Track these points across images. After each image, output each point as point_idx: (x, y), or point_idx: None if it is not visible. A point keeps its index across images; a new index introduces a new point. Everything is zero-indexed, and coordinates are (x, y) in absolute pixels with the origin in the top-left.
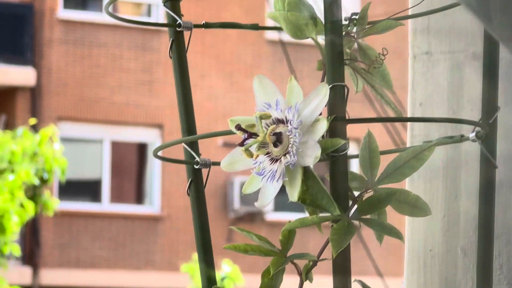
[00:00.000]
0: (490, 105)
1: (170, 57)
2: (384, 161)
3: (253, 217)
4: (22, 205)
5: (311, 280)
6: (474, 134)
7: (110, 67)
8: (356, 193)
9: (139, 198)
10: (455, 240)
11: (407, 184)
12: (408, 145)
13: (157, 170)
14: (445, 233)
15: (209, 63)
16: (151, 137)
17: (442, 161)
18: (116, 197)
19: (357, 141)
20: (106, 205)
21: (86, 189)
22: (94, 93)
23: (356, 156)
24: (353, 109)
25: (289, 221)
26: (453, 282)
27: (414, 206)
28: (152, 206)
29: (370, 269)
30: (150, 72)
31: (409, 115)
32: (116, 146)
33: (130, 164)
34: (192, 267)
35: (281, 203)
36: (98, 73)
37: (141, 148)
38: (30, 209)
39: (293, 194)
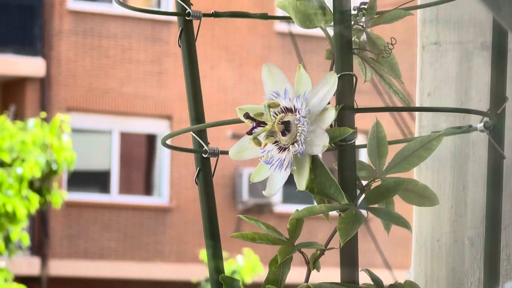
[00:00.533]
0: (498, 96)
1: (179, 46)
2: (393, 151)
3: (262, 208)
4: (27, 198)
5: (318, 269)
6: (482, 124)
7: (119, 58)
8: (364, 183)
9: (148, 189)
10: (462, 230)
11: (415, 174)
12: (416, 135)
13: (166, 161)
14: (453, 224)
15: (219, 55)
16: (160, 128)
17: (450, 151)
18: (125, 188)
19: (365, 133)
20: (115, 196)
21: (95, 180)
22: (103, 84)
23: (364, 146)
24: (361, 101)
25: (297, 210)
26: (460, 272)
27: (421, 196)
28: (160, 197)
29: (378, 261)
30: (159, 64)
31: (417, 105)
32: (125, 137)
33: (139, 155)
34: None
35: (290, 194)
36: (107, 64)
37: (150, 139)
38: (35, 201)
39: (301, 183)
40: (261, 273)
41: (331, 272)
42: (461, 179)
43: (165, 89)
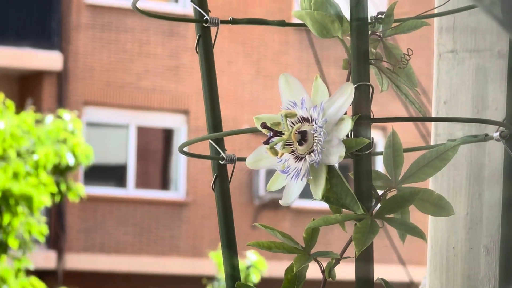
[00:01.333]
0: None
1: (197, 52)
2: (409, 158)
3: (278, 204)
4: (44, 185)
5: (334, 278)
6: (498, 133)
7: (137, 53)
8: (380, 192)
9: (165, 183)
10: (478, 238)
11: (431, 182)
12: (432, 142)
13: (183, 156)
14: (468, 231)
15: (236, 49)
16: (177, 123)
17: (466, 159)
18: (142, 182)
19: (382, 129)
20: (131, 190)
21: (112, 174)
22: (121, 78)
23: (380, 153)
24: (379, 96)
25: (313, 219)
26: (475, 280)
27: (437, 206)
28: (177, 191)
29: (393, 257)
30: (176, 58)
31: (433, 113)
32: (142, 132)
33: (156, 150)
34: (219, 255)
35: (307, 190)
36: (124, 59)
37: (167, 134)
38: (52, 187)
39: (317, 193)
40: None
41: (346, 267)
42: (477, 186)
43: (182, 83)
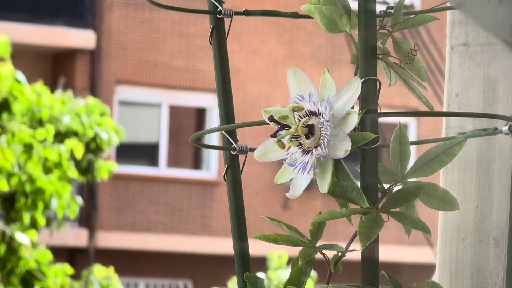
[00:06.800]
0: None
1: (210, 43)
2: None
3: (311, 184)
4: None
5: (339, 271)
6: (507, 127)
7: (170, 32)
8: (386, 186)
9: (196, 163)
10: (487, 230)
11: (441, 174)
12: (443, 135)
13: (215, 135)
14: (478, 224)
15: (269, 30)
16: (209, 102)
17: (476, 152)
18: (173, 161)
19: (404, 108)
20: (163, 169)
21: (144, 153)
22: (153, 57)
23: (387, 146)
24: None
25: (320, 212)
26: (484, 272)
27: (442, 200)
28: (209, 171)
29: (423, 239)
30: None
31: (445, 105)
32: (174, 111)
33: (188, 129)
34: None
35: None
36: (157, 38)
37: (199, 113)
38: (75, 176)
39: (324, 186)
40: None
41: None
42: (487, 179)
43: None
